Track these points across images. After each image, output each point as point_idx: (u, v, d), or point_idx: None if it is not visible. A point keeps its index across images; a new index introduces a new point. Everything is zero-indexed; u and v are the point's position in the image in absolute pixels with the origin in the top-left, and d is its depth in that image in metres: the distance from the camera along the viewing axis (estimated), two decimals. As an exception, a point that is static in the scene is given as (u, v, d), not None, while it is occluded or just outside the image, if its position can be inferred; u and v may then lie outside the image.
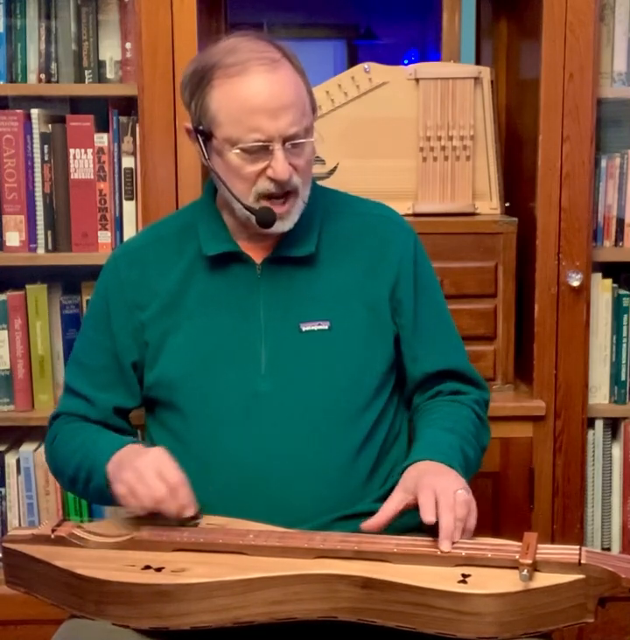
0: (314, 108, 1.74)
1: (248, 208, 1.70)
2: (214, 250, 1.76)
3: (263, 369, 1.73)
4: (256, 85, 1.64)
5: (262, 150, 1.65)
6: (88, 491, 1.75)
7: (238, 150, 1.66)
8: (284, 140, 1.65)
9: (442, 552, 1.46)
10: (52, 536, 1.60)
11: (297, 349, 1.74)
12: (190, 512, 1.58)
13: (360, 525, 1.56)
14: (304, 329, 1.74)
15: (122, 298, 1.80)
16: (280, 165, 1.66)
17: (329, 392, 1.73)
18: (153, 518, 1.60)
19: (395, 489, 1.61)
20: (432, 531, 1.51)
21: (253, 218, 1.70)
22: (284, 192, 1.69)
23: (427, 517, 1.50)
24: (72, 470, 1.76)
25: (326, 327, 1.75)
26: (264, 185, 1.68)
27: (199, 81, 1.69)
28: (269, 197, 1.69)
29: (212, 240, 1.77)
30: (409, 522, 1.63)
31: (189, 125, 1.74)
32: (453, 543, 1.48)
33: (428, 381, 1.83)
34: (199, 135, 1.72)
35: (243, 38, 1.70)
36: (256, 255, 1.77)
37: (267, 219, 1.69)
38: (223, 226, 1.79)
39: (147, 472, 1.57)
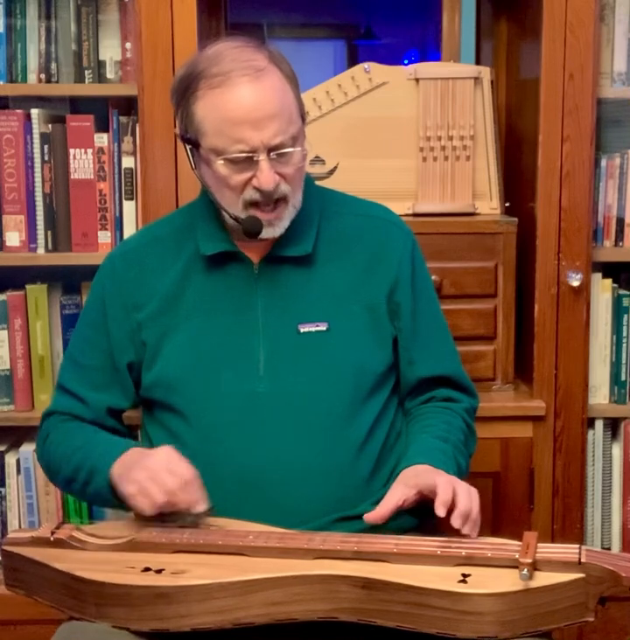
0: (303, 115, 1.73)
1: (235, 218, 1.70)
2: (212, 250, 1.76)
3: (261, 370, 1.73)
4: (239, 96, 1.63)
5: (247, 161, 1.65)
6: (86, 492, 1.75)
7: (223, 161, 1.66)
8: (269, 150, 1.65)
9: (453, 528, 1.48)
10: (52, 538, 1.60)
11: (295, 350, 1.74)
12: (201, 507, 1.59)
13: (363, 517, 1.57)
14: (302, 330, 1.74)
15: (118, 298, 1.80)
16: (265, 175, 1.65)
17: (327, 392, 1.73)
18: (160, 517, 1.60)
19: (394, 484, 1.62)
20: (433, 529, 1.52)
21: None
22: (273, 200, 1.69)
23: (439, 510, 1.52)
24: (69, 471, 1.76)
25: (325, 328, 1.75)
26: (251, 195, 1.68)
27: (185, 90, 1.69)
28: (257, 204, 1.69)
29: (209, 240, 1.77)
30: (407, 523, 1.65)
31: (177, 131, 1.75)
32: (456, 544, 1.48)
33: (422, 386, 1.84)
34: (186, 143, 1.72)
35: (229, 46, 1.69)
36: (254, 255, 1.77)
37: (253, 228, 1.69)
38: (220, 226, 1.79)
39: (158, 468, 1.59)
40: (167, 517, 1.60)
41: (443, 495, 1.54)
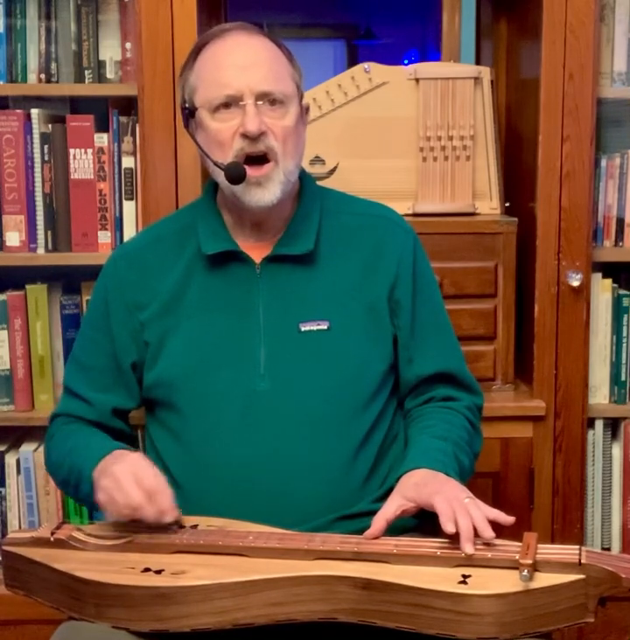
0: (300, 92, 1.77)
1: (217, 165, 1.71)
2: (213, 249, 1.76)
3: (262, 368, 1.73)
4: (230, 45, 1.72)
5: (235, 108, 1.69)
6: (79, 495, 1.75)
7: (213, 112, 1.70)
8: (257, 97, 1.68)
9: (467, 554, 1.44)
10: (52, 539, 1.60)
11: (296, 349, 1.74)
12: (169, 518, 1.56)
13: (363, 535, 1.55)
14: (303, 329, 1.74)
15: (121, 299, 1.80)
16: (249, 118, 1.67)
17: (328, 392, 1.73)
18: (135, 524, 1.58)
19: (392, 494, 1.61)
20: (438, 534, 1.52)
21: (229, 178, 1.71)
22: (262, 155, 1.70)
23: (448, 526, 1.48)
24: (64, 473, 1.76)
25: (325, 327, 1.75)
26: (239, 144, 1.69)
27: (187, 62, 1.77)
28: (246, 160, 1.70)
29: (211, 239, 1.77)
30: (408, 523, 1.64)
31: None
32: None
33: (421, 385, 1.83)
34: (184, 112, 1.77)
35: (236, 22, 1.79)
36: (255, 255, 1.77)
37: (235, 172, 1.69)
38: (222, 226, 1.79)
39: (124, 478, 1.55)
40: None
41: (446, 525, 1.48)
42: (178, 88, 1.84)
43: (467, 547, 1.45)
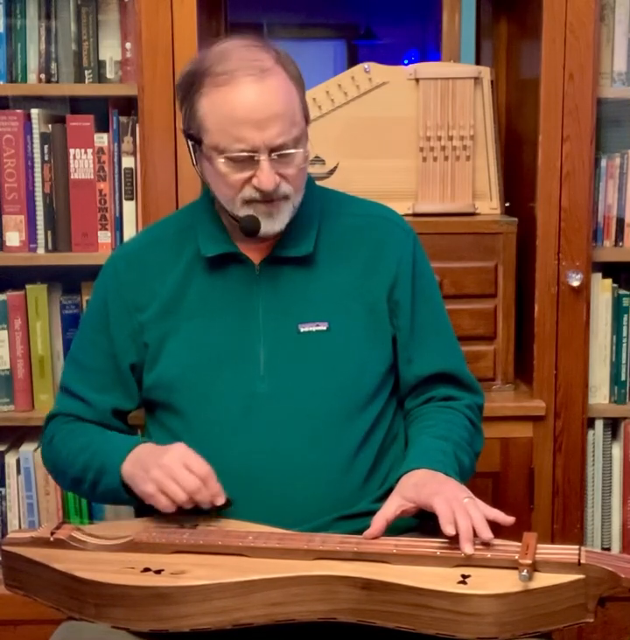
0: (307, 117, 1.74)
1: (232, 216, 1.71)
2: (213, 251, 1.76)
3: (262, 370, 1.73)
4: (243, 95, 1.64)
5: (248, 160, 1.65)
6: (96, 492, 1.75)
7: (224, 159, 1.66)
8: (271, 150, 1.65)
9: (466, 554, 1.45)
10: (52, 539, 1.60)
11: (295, 350, 1.74)
12: (221, 500, 1.60)
13: (363, 535, 1.55)
14: (302, 330, 1.74)
15: (121, 300, 1.80)
16: (265, 175, 1.65)
17: (327, 392, 1.73)
18: (178, 513, 1.61)
19: (392, 495, 1.61)
20: (438, 534, 1.52)
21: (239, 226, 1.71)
22: (272, 199, 1.69)
23: (447, 528, 1.48)
24: (77, 471, 1.75)
25: (325, 328, 1.75)
26: (250, 193, 1.68)
27: (190, 86, 1.69)
28: (256, 201, 1.69)
29: (210, 241, 1.77)
30: (408, 523, 1.64)
31: (182, 126, 1.75)
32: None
33: (421, 385, 1.83)
34: (189, 139, 1.73)
35: (236, 44, 1.69)
36: (255, 256, 1.77)
37: (251, 227, 1.69)
38: (222, 227, 1.79)
39: (176, 467, 1.58)
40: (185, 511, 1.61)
41: (446, 527, 1.49)
42: (179, 109, 1.76)
43: (467, 548, 1.45)
